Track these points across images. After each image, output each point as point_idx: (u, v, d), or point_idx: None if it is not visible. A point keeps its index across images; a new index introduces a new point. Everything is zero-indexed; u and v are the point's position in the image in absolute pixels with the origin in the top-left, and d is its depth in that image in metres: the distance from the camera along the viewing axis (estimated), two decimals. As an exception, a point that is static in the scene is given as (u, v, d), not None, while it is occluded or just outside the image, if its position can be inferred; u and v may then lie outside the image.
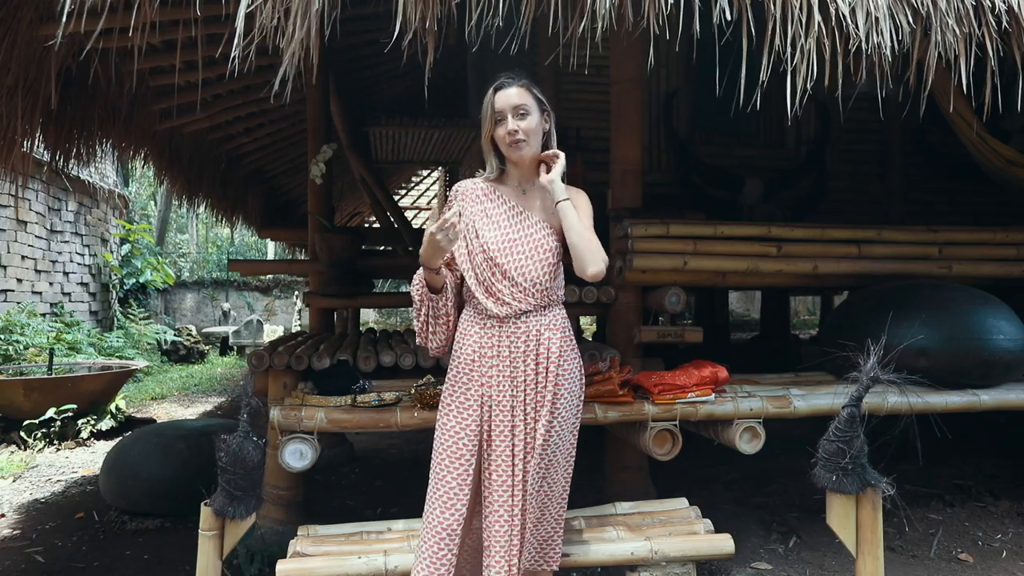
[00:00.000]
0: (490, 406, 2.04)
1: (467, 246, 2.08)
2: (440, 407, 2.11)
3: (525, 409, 2.06)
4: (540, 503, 2.08)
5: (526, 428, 2.06)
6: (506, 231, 2.07)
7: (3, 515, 3.88)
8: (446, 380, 2.14)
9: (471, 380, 2.06)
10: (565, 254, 2.11)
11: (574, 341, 2.15)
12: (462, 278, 2.13)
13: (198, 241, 19.38)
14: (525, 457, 2.05)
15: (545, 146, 2.10)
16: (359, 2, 2.26)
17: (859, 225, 3.69)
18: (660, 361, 3.37)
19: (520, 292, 2.03)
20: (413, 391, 2.70)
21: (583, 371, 2.17)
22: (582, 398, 2.15)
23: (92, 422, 5.58)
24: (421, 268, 2.06)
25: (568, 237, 2.02)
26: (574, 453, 2.12)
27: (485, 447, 2.05)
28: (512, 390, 2.04)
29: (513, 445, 2.05)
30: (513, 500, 2.05)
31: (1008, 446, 4.49)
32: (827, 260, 3.37)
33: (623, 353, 3.24)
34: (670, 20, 2.20)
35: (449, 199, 2.17)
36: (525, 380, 2.04)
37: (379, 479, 4.36)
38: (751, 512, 3.58)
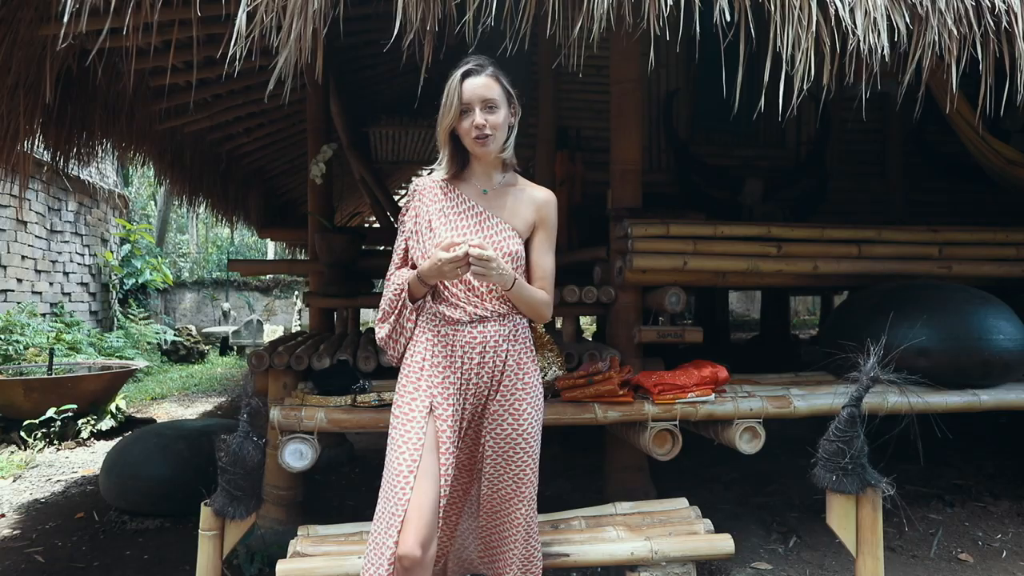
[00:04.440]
0: (440, 416, 1.89)
1: (422, 248, 1.94)
2: (392, 417, 1.97)
3: (472, 423, 1.96)
4: (503, 520, 2.00)
5: (476, 442, 1.98)
6: (464, 232, 1.92)
7: (3, 515, 3.88)
8: (396, 389, 1.98)
9: (418, 389, 1.91)
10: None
11: (533, 353, 2.03)
12: None
13: (198, 241, 19.38)
14: (471, 470, 2.00)
15: (505, 140, 1.95)
16: (359, 2, 2.27)
17: (859, 225, 3.69)
18: (660, 361, 3.37)
19: (476, 296, 1.92)
20: (413, 391, 2.69)
21: (542, 384, 2.06)
22: (543, 412, 2.04)
23: (92, 422, 5.58)
24: (405, 274, 1.94)
25: (519, 304, 1.94)
26: (537, 467, 2.02)
27: (436, 460, 1.88)
28: (461, 401, 1.92)
29: (459, 459, 1.97)
30: (466, 513, 2.02)
31: (1008, 446, 4.49)
32: (827, 260, 3.37)
33: (623, 353, 3.24)
34: (670, 21, 2.20)
35: (407, 198, 2.04)
36: (476, 393, 1.93)
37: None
38: (751, 512, 3.58)
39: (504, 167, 2.02)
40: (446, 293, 1.93)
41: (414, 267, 1.96)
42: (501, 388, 1.93)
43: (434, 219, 1.95)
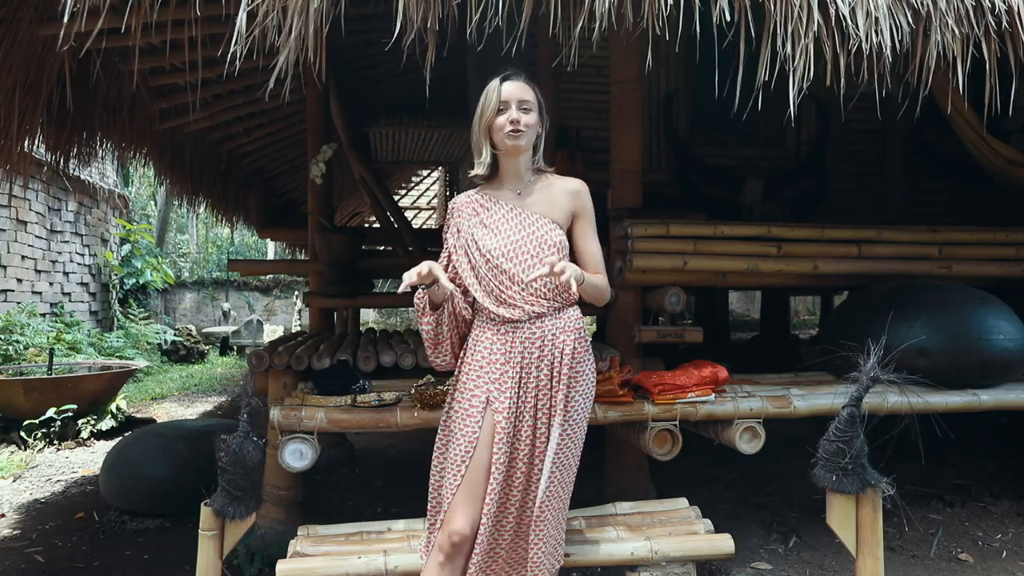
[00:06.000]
0: (497, 409, 2.00)
1: (469, 260, 2.07)
2: (448, 411, 2.10)
3: (533, 414, 2.02)
4: (546, 507, 2.05)
5: (534, 433, 2.02)
6: (508, 235, 2.05)
7: (3, 515, 3.88)
8: (455, 385, 2.12)
9: (478, 387, 2.03)
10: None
11: (589, 343, 2.12)
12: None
13: (198, 241, 19.37)
14: (530, 463, 2.02)
15: (535, 149, 2.11)
16: (359, 2, 2.27)
17: (859, 225, 3.69)
18: (660, 361, 3.37)
19: (531, 295, 2.01)
20: (413, 391, 2.70)
21: (595, 374, 2.14)
22: (592, 402, 2.13)
23: (92, 422, 5.58)
24: (420, 288, 2.06)
25: (586, 295, 2.07)
26: (580, 456, 2.11)
27: (489, 452, 2.00)
28: (522, 395, 2.01)
29: (514, 450, 2.01)
30: (521, 504, 2.03)
31: (1008, 446, 4.49)
32: (827, 260, 3.37)
33: (623, 353, 3.24)
34: (670, 20, 2.20)
35: (447, 216, 2.19)
36: (537, 385, 2.02)
37: (379, 479, 4.36)
38: (751, 512, 3.58)
39: (534, 170, 2.16)
40: (504, 296, 2.02)
41: (453, 280, 2.10)
42: (560, 377, 2.03)
43: (476, 231, 2.08)
